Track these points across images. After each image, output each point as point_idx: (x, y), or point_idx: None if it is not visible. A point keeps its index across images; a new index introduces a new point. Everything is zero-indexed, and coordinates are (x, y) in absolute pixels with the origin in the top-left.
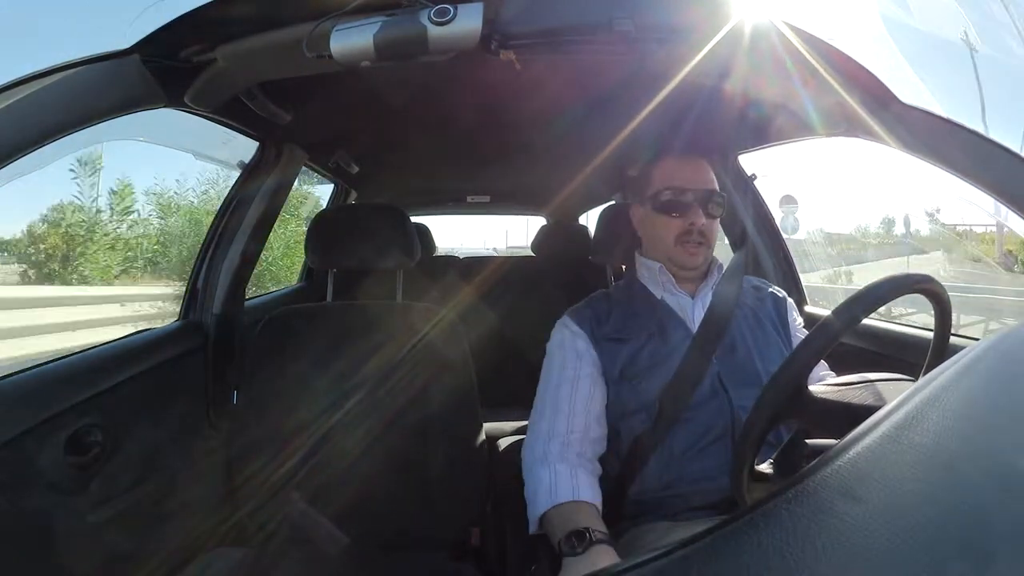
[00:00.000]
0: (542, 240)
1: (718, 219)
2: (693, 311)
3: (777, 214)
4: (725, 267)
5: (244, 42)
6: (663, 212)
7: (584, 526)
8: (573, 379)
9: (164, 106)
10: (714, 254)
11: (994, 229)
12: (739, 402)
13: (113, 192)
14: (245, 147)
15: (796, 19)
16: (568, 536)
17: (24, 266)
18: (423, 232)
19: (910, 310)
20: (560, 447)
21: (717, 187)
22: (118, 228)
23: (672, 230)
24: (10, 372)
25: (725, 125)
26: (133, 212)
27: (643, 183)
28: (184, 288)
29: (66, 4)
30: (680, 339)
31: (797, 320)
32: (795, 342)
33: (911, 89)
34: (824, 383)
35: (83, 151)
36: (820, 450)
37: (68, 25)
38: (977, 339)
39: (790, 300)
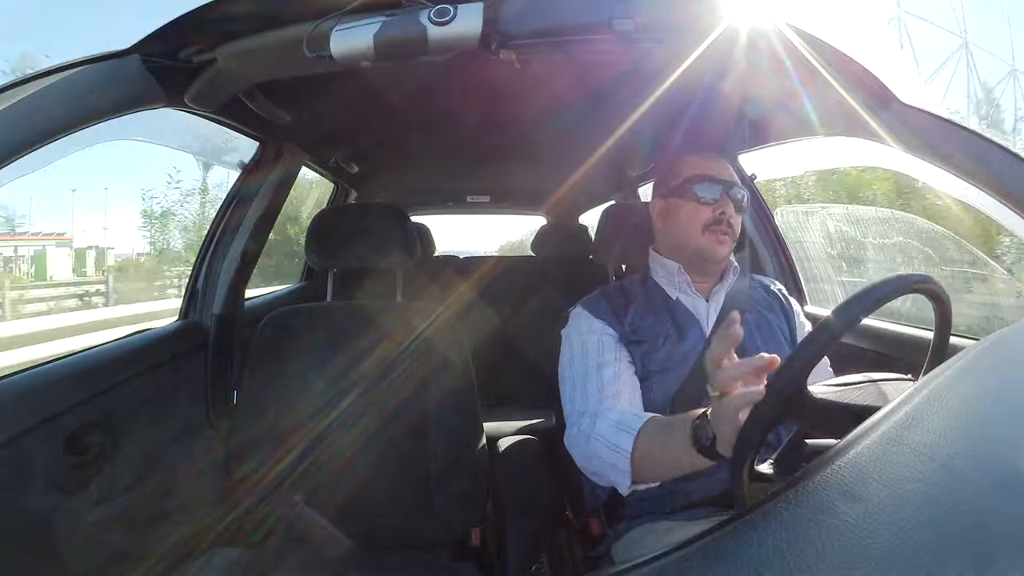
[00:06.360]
0: (542, 240)
1: (741, 216)
2: (708, 313)
3: None
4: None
5: (244, 42)
6: (693, 200)
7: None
8: (615, 365)
9: (164, 106)
10: None
11: None
12: None
13: None
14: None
15: (796, 19)
16: (693, 428)
17: None
18: (423, 232)
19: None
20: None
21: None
22: None
23: (701, 217)
24: (10, 372)
25: (725, 124)
26: None
27: (668, 174)
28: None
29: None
30: (695, 341)
31: (803, 322)
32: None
33: (911, 89)
34: (825, 383)
35: None
36: (820, 450)
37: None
38: (977, 339)
39: (794, 301)
